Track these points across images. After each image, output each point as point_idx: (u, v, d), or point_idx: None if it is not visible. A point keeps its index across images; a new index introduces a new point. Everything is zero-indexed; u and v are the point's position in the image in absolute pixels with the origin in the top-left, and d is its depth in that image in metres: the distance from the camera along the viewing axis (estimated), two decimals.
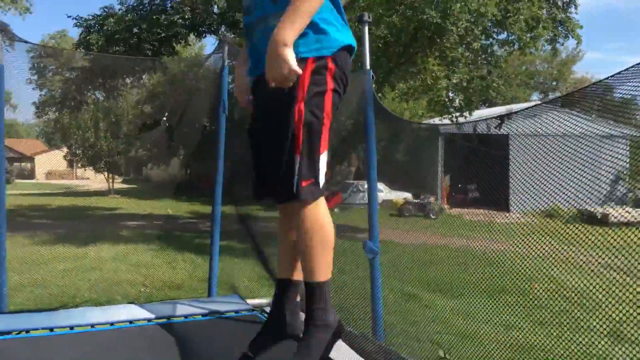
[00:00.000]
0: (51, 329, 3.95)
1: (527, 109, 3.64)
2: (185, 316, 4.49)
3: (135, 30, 13.19)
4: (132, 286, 7.35)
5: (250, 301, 5.28)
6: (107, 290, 6.92)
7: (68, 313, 4.64)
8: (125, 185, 29.61)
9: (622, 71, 2.70)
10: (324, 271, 1.99)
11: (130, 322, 4.27)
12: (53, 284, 7.40)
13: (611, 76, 2.80)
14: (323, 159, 1.94)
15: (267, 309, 4.87)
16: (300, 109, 1.89)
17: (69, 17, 15.32)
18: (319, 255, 1.92)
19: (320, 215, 1.93)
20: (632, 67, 2.62)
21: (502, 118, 3.54)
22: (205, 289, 5.55)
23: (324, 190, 1.97)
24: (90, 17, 14.64)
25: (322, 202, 1.96)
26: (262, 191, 2.01)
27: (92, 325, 4.13)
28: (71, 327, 4.04)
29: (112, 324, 4.16)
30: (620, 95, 3.01)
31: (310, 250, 1.96)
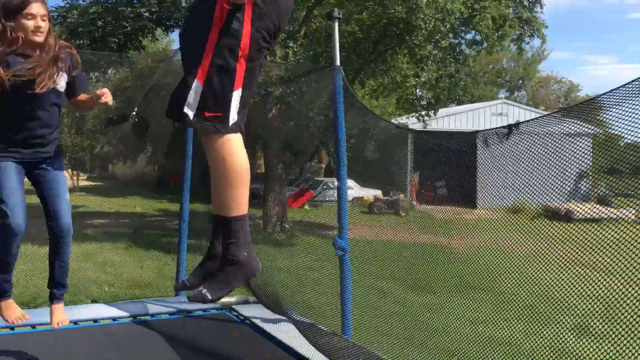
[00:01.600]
0: (12, 328, 3.83)
1: (535, 119, 3.66)
2: (152, 315, 4.41)
3: (99, 23, 12.88)
4: (97, 286, 7.18)
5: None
6: (71, 290, 6.74)
7: (30, 313, 4.50)
8: (90, 183, 28.97)
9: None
10: (234, 206, 1.92)
11: (95, 320, 4.17)
12: (14, 284, 7.17)
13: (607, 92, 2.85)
14: (236, 96, 1.89)
15: (236, 307, 4.83)
16: (213, 38, 1.86)
17: None
18: (229, 190, 1.88)
19: (231, 150, 1.87)
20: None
21: (510, 127, 3.57)
22: (173, 288, 5.46)
23: (237, 128, 1.92)
24: (53, 9, 14.26)
25: (234, 138, 1.91)
26: (168, 109, 1.97)
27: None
28: (33, 326, 3.93)
29: (75, 322, 4.05)
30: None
31: (220, 185, 1.93)
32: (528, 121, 3.64)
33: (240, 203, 1.94)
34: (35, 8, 2.81)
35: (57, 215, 3.02)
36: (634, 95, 2.65)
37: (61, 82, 2.98)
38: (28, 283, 7.16)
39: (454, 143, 4.55)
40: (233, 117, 1.91)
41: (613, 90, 2.79)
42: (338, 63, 4.02)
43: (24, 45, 2.84)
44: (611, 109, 2.86)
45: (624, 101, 2.73)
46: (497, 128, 3.80)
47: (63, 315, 3.28)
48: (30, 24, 2.80)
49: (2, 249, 2.97)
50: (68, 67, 3.03)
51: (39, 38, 2.83)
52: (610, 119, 2.87)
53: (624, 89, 2.72)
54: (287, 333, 4.00)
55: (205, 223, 6.80)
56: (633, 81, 2.64)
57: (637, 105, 2.63)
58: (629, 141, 3.07)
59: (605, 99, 2.95)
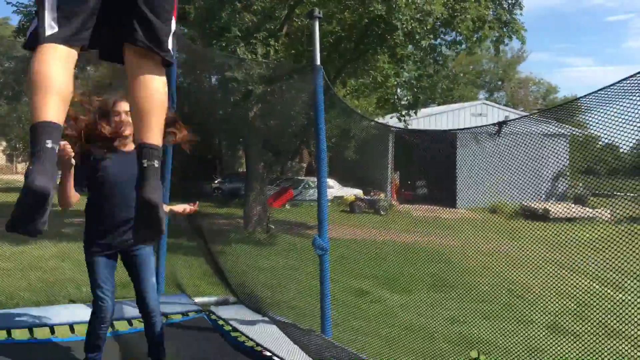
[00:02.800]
0: None
1: (521, 117, 3.70)
2: (129, 320, 4.36)
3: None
4: (75, 286, 7.09)
5: (197, 299, 5.20)
6: (47, 290, 6.66)
7: (5, 317, 4.42)
8: None
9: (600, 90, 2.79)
10: (32, 112, 1.74)
11: (71, 326, 4.10)
12: None
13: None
14: (48, 4, 1.75)
15: (215, 310, 4.83)
16: None
17: (9, 3, 14.62)
18: (30, 97, 1.74)
19: (34, 61, 1.73)
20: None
21: (499, 125, 3.61)
22: None
23: (44, 40, 1.74)
24: (32, 4, 14.02)
25: (40, 50, 1.74)
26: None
27: (30, 329, 3.97)
28: (8, 332, 3.87)
29: (51, 328, 4.00)
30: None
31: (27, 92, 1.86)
32: (516, 119, 3.69)
33: (36, 110, 1.74)
34: (121, 106, 3.14)
35: (142, 297, 3.30)
36: (618, 98, 2.70)
37: None
38: (3, 283, 7.05)
39: (434, 142, 4.59)
40: (44, 29, 1.75)
41: (594, 92, 2.84)
42: (318, 62, 4.03)
43: (117, 140, 3.15)
44: (595, 111, 2.91)
45: (607, 103, 2.78)
46: (485, 126, 3.85)
47: None
48: (117, 119, 3.12)
49: (93, 330, 3.26)
50: None
51: (126, 132, 3.13)
52: (592, 121, 2.92)
53: (604, 91, 2.77)
54: (264, 338, 4.00)
55: (184, 222, 6.76)
56: (615, 84, 2.69)
57: (620, 107, 2.67)
58: (607, 142, 3.13)
59: (586, 101, 3.00)
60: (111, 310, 3.22)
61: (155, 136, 1.77)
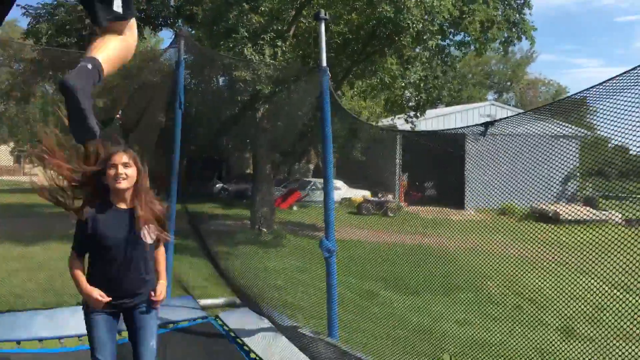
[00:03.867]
0: None
1: (507, 118, 3.67)
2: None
3: (87, 20, 12.78)
4: None
5: (203, 301, 5.18)
6: (56, 290, 6.67)
7: (13, 319, 4.42)
8: None
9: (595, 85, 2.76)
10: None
11: (79, 337, 4.09)
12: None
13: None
14: None
15: (220, 313, 4.81)
16: None
17: (18, 5, 14.76)
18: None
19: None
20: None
21: (486, 125, 3.56)
22: None
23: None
24: (40, 6, 14.13)
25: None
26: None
27: (40, 341, 3.97)
28: (18, 342, 3.87)
29: (59, 339, 4.00)
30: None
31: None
32: (502, 119, 3.64)
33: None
34: (116, 158, 2.99)
35: (137, 358, 3.11)
36: (616, 92, 2.67)
37: (149, 236, 3.05)
38: (12, 283, 7.07)
39: (440, 143, 4.55)
40: None
41: (590, 87, 2.80)
42: (325, 64, 4.00)
43: (113, 195, 3.01)
44: (594, 104, 2.87)
45: (606, 98, 2.74)
46: (473, 125, 3.81)
47: None
48: (112, 172, 2.96)
49: None
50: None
51: (120, 185, 2.97)
52: (595, 119, 2.88)
53: (602, 86, 2.74)
54: (270, 343, 3.98)
55: (189, 224, 6.75)
56: (609, 80, 2.66)
57: (619, 101, 2.64)
58: (603, 135, 3.09)
59: (581, 96, 2.96)
60: None
61: (98, 54, 1.71)
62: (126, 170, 2.96)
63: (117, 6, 1.76)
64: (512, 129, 3.59)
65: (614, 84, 2.65)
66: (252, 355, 3.91)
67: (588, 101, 2.97)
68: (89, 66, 1.66)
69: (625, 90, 2.60)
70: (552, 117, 3.53)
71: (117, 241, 2.95)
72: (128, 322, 3.12)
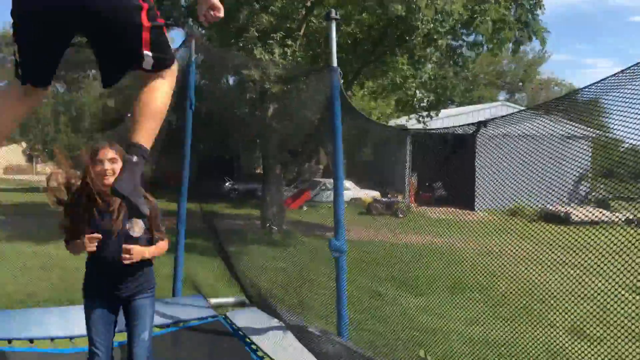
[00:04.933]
0: (9, 341, 3.83)
1: (501, 117, 3.67)
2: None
3: None
4: None
5: (213, 300, 5.21)
6: (67, 288, 6.73)
7: (26, 317, 4.47)
8: None
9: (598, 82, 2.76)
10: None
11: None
12: (10, 281, 7.17)
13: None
14: None
15: (228, 312, 4.83)
16: None
17: None
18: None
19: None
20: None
21: (479, 124, 3.57)
22: (169, 287, 5.45)
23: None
24: None
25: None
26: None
27: (52, 339, 4.01)
28: (31, 341, 3.92)
29: (71, 338, 4.04)
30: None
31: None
32: (498, 118, 3.64)
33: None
34: (102, 153, 3.02)
35: (130, 350, 3.13)
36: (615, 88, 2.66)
37: (136, 229, 3.10)
38: (24, 281, 7.15)
39: (449, 143, 4.55)
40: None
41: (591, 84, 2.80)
42: (335, 64, 4.01)
43: (101, 192, 3.02)
44: (591, 101, 2.87)
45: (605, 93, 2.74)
46: (465, 125, 3.81)
47: None
48: (98, 168, 2.99)
49: None
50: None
51: (108, 181, 2.97)
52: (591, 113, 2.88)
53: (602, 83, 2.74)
54: (278, 342, 3.99)
55: (201, 223, 6.79)
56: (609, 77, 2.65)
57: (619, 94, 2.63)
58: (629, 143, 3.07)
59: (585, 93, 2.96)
60: None
61: (141, 137, 1.80)
62: (113, 166, 2.98)
63: (148, 64, 1.80)
64: (523, 129, 3.58)
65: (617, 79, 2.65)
66: (260, 354, 3.93)
67: (591, 96, 2.96)
68: (134, 159, 1.78)
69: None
70: (549, 114, 3.52)
71: (108, 236, 2.99)
72: (125, 314, 3.17)
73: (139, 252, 3.04)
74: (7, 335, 3.87)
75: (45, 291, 6.87)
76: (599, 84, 2.75)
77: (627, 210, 3.85)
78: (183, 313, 4.63)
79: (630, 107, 2.53)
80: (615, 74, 2.66)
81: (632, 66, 2.54)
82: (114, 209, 3.04)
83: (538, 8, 14.01)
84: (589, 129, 3.63)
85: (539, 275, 4.48)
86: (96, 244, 2.96)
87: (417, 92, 14.47)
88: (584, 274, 3.27)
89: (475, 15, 12.76)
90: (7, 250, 9.13)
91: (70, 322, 4.18)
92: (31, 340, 3.92)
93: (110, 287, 3.08)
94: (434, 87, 13.97)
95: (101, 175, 2.99)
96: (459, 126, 4.01)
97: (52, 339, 4.01)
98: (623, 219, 3.61)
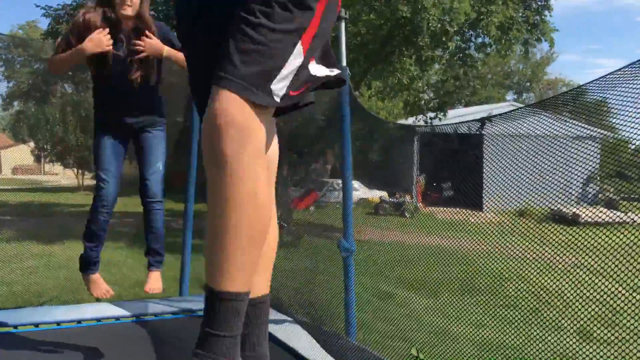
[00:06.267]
0: (15, 327, 3.83)
1: (505, 113, 3.65)
2: (155, 314, 4.40)
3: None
4: None
5: None
6: (74, 289, 6.75)
7: (33, 311, 4.51)
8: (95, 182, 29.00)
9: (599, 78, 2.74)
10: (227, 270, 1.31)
11: (98, 320, 4.16)
12: (18, 282, 7.20)
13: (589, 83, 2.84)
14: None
15: None
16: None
17: (37, 6, 15.06)
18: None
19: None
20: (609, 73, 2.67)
21: (482, 121, 3.55)
22: (176, 288, 5.45)
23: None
24: (60, 7, 14.34)
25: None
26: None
27: (58, 323, 4.02)
28: (36, 325, 3.92)
29: (79, 321, 4.05)
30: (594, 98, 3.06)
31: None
32: (500, 115, 3.62)
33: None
34: None
35: (143, 183, 3.14)
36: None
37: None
38: (31, 281, 7.18)
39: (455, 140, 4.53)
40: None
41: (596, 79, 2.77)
42: (344, 63, 4.01)
43: (122, 22, 3.08)
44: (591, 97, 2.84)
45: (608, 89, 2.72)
46: (468, 122, 3.79)
47: (155, 283, 3.43)
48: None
49: (92, 215, 3.20)
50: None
51: (126, 11, 3.05)
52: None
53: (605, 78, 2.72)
54: (290, 333, 3.98)
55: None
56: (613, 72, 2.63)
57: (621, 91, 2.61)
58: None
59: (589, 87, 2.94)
60: (111, 196, 3.10)
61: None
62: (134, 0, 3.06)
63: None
64: (529, 130, 3.56)
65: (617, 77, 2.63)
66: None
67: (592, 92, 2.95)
68: None
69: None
70: (549, 112, 3.51)
71: (117, 62, 3.02)
72: (136, 145, 3.17)
73: (151, 43, 3.10)
74: (13, 323, 3.89)
75: (52, 291, 6.89)
76: (603, 79, 2.73)
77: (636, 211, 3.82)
78: (190, 305, 4.64)
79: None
80: (620, 69, 2.64)
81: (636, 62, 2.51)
82: (125, 35, 3.08)
83: (546, 9, 13.96)
84: (595, 128, 3.61)
85: (548, 277, 4.45)
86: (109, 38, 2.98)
87: (424, 94, 14.47)
88: (595, 276, 3.24)
89: (482, 17, 12.73)
90: (14, 251, 9.17)
91: (77, 313, 4.20)
92: (36, 325, 3.93)
93: (119, 118, 3.06)
94: (442, 88, 13.96)
95: (119, 4, 3.04)
96: (464, 122, 4.00)
97: (58, 324, 4.02)
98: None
